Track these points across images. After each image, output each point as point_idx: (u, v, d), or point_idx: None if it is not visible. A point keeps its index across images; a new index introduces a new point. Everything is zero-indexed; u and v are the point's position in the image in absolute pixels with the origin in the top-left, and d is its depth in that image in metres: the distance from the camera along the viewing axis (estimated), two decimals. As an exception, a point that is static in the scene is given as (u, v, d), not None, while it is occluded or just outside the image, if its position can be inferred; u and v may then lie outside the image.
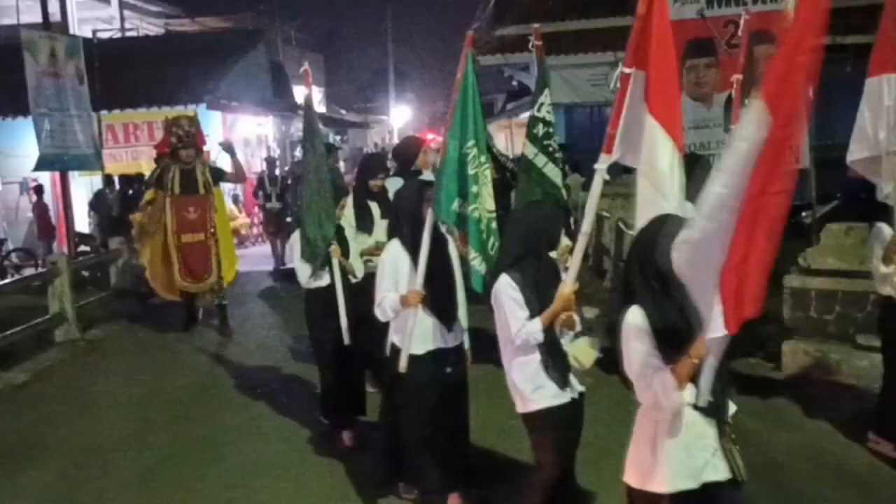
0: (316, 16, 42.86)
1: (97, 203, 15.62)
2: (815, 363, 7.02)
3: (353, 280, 6.02)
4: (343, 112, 37.15)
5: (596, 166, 3.76)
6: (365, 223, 6.41)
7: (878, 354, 6.61)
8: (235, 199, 20.51)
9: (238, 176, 9.92)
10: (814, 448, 5.61)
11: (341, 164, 29.55)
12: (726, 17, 11.25)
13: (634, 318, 3.11)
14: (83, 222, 16.73)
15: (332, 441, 6.02)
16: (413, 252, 4.60)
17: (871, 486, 5.08)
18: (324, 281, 5.87)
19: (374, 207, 6.46)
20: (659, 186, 3.70)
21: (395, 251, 4.69)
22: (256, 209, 17.93)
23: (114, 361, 8.80)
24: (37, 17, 15.64)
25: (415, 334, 4.62)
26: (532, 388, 4.05)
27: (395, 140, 36.45)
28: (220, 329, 9.74)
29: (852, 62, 13.54)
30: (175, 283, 9.50)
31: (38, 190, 16.71)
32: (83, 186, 17.27)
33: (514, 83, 21.23)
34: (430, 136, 39.31)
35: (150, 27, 27.85)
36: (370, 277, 5.63)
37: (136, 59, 19.06)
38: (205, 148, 13.15)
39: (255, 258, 15.42)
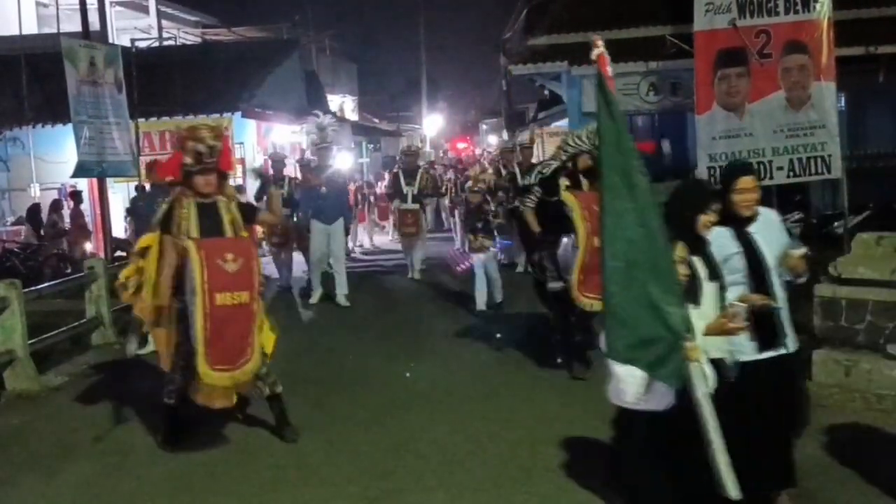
0: (350, 26, 43.26)
1: (134, 209, 15.87)
2: (845, 373, 6.99)
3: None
4: (376, 121, 37.37)
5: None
6: (690, 288, 4.01)
7: (908, 365, 6.59)
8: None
9: (273, 215, 6.98)
10: (844, 457, 5.59)
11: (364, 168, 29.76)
12: (758, 26, 11.25)
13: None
14: (119, 228, 17.00)
15: None
16: None
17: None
18: (659, 402, 3.88)
19: (697, 262, 4.14)
20: None
21: None
22: None
23: (149, 365, 8.93)
24: (77, 27, 15.98)
25: None
26: None
27: (428, 148, 36.61)
28: (279, 431, 6.46)
29: (885, 72, 13.46)
30: (196, 373, 5.89)
31: (75, 196, 17.00)
32: (119, 193, 17.54)
33: (546, 92, 21.27)
34: (461, 145, 39.44)
35: (187, 37, 28.23)
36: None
37: (173, 68, 19.34)
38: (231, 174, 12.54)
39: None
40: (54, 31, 20.15)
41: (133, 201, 10.17)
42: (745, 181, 4.43)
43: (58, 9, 21.19)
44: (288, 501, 5.39)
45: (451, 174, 22.99)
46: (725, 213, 4.34)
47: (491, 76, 37.41)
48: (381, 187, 21.80)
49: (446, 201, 20.50)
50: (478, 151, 35.78)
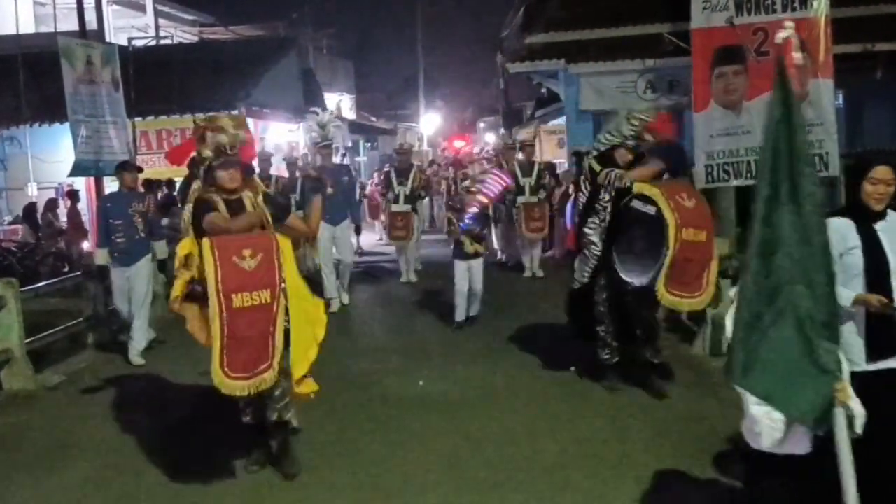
0: (347, 24, 43.22)
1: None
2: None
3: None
4: (373, 119, 37.34)
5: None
6: None
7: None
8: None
9: (309, 226, 6.11)
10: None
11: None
12: (755, 24, 11.24)
13: None
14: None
15: None
16: None
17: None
18: (797, 446, 3.47)
19: None
20: None
21: None
22: None
23: (146, 364, 8.93)
24: (74, 26, 15.95)
25: None
26: None
27: (426, 146, 36.60)
28: (278, 462, 5.81)
29: (883, 70, 13.47)
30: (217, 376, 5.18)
31: (72, 195, 16.99)
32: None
33: (543, 90, 21.27)
34: (458, 143, 39.46)
35: (184, 35, 28.21)
36: None
37: (170, 66, 19.32)
38: (254, 162, 10.99)
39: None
40: (51, 30, 20.11)
41: (102, 202, 9.60)
42: (882, 171, 3.99)
43: (55, 8, 21.15)
44: (286, 500, 5.38)
45: (450, 171, 22.82)
46: (852, 203, 4.07)
47: (489, 74, 37.35)
48: (372, 185, 21.84)
49: (433, 201, 20.33)
50: (475, 149, 35.73)
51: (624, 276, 6.69)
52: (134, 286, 9.02)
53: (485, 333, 9.46)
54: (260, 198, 5.69)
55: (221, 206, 5.47)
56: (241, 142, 5.51)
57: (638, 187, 6.61)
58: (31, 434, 6.99)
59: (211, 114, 6.70)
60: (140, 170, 9.94)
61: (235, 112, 18.01)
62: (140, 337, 9.06)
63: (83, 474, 5.97)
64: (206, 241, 5.21)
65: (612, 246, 6.83)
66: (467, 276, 9.70)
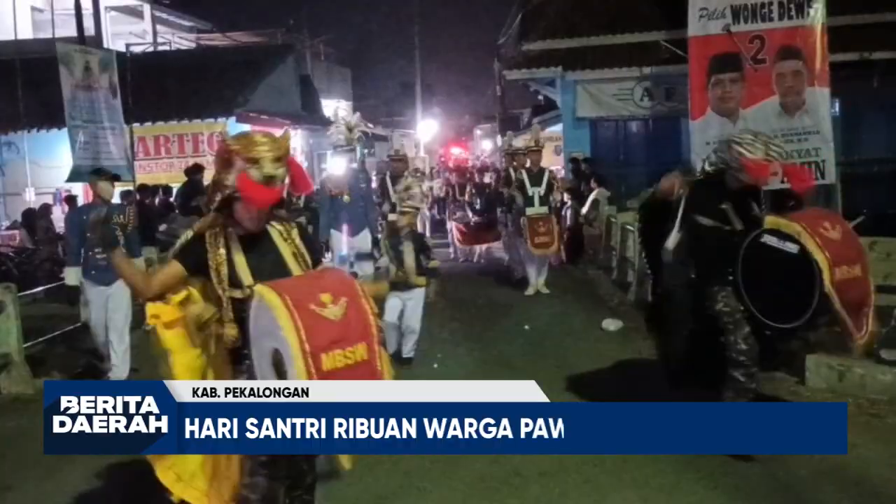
0: (345, 31, 43.33)
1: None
2: (838, 378, 7.02)
3: None
4: (371, 126, 37.33)
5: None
6: None
7: (902, 369, 6.60)
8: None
9: None
10: (836, 463, 5.60)
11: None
12: (752, 32, 11.32)
13: None
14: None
15: None
16: None
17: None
18: None
19: None
20: None
21: None
22: None
23: (143, 368, 8.92)
24: (72, 32, 16.02)
25: None
26: None
27: (423, 153, 36.63)
28: None
29: (880, 78, 13.53)
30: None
31: (70, 200, 16.99)
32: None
33: (540, 98, 21.34)
34: (455, 150, 39.53)
35: (181, 41, 28.27)
36: None
37: (168, 72, 19.39)
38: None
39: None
40: (49, 35, 20.17)
41: (76, 214, 8.71)
42: None
43: (53, 14, 21.21)
44: None
45: (449, 176, 22.75)
46: None
47: (486, 81, 37.52)
48: None
49: (426, 210, 20.21)
50: (473, 156, 35.69)
51: (764, 320, 5.67)
52: (113, 306, 8.12)
53: (476, 335, 9.45)
54: (294, 231, 4.22)
55: (237, 246, 4.05)
56: (281, 179, 3.95)
57: (772, 221, 5.75)
58: (30, 438, 6.95)
59: (246, 130, 4.94)
60: (117, 178, 8.92)
61: (225, 119, 17.98)
62: (123, 365, 8.32)
63: (81, 478, 5.96)
64: (264, 289, 3.75)
65: (743, 287, 5.73)
66: (399, 309, 8.17)
